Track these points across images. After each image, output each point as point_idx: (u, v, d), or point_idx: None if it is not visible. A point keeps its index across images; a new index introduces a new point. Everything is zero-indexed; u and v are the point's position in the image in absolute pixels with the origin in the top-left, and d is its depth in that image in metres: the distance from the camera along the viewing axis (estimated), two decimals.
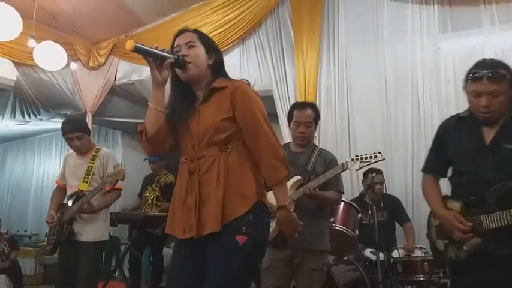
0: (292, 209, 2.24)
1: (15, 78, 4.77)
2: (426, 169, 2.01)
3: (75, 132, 2.89)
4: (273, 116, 4.59)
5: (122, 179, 2.73)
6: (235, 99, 1.51)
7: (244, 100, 1.53)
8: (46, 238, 3.18)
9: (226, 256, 1.42)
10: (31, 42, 4.31)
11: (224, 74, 1.63)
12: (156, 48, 1.49)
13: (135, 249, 4.09)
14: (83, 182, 2.89)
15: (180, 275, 1.53)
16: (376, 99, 3.85)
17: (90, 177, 2.91)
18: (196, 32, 1.63)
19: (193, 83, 1.59)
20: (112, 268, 4.27)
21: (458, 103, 3.52)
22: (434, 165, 1.97)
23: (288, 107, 4.10)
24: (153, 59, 1.49)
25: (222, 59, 1.65)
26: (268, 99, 4.51)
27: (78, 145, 2.91)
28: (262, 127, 1.52)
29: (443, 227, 1.82)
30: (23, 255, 5.77)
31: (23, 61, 4.73)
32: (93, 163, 2.93)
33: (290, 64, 4.25)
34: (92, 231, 2.86)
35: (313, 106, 2.52)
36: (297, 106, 2.52)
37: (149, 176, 4.76)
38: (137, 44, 1.40)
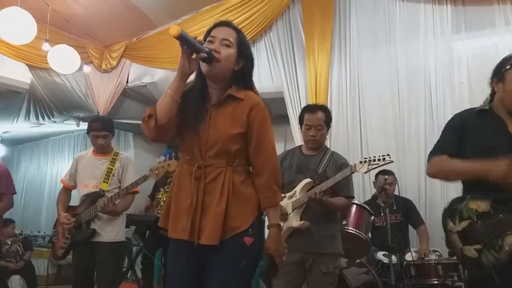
0: (301, 213, 2.26)
1: (29, 81, 4.85)
2: (442, 150, 1.77)
3: (103, 131, 2.93)
4: (284, 118, 4.59)
5: (173, 171, 2.66)
6: (253, 118, 1.50)
7: (262, 121, 1.52)
8: (53, 242, 3.10)
9: (234, 257, 1.46)
10: (45, 46, 4.38)
11: (248, 82, 1.57)
12: (195, 38, 1.43)
13: (147, 250, 4.12)
14: (104, 182, 2.89)
15: (181, 280, 1.53)
16: (388, 101, 3.82)
17: (110, 178, 2.92)
18: (237, 31, 1.56)
19: (211, 80, 1.53)
20: (124, 269, 4.29)
21: (472, 104, 3.42)
22: (452, 147, 1.73)
23: (299, 109, 4.15)
24: (189, 49, 1.42)
25: (251, 69, 1.59)
26: (279, 101, 4.51)
27: (102, 143, 2.94)
28: (273, 152, 1.56)
29: (472, 230, 1.66)
30: (37, 256, 5.86)
31: (37, 64, 4.80)
32: (113, 165, 2.94)
33: (301, 66, 4.24)
34: (111, 231, 2.85)
35: (324, 109, 2.50)
36: (308, 109, 2.50)
37: (161, 177, 4.77)
38: (182, 32, 1.36)
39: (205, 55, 1.43)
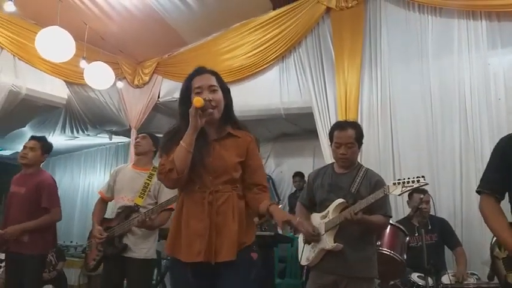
0: (334, 234, 2.21)
1: (66, 97, 5.02)
2: (484, 186, 1.76)
3: (144, 133, 3.12)
4: (313, 133, 4.57)
5: None
6: (250, 150, 1.79)
7: (256, 151, 1.84)
8: (86, 253, 3.15)
9: (243, 271, 1.67)
10: (82, 63, 4.56)
11: (232, 116, 1.82)
12: (205, 99, 1.64)
13: None
14: (139, 196, 2.90)
15: None
16: (421, 117, 3.74)
17: (146, 193, 2.93)
18: (214, 74, 1.79)
19: (208, 123, 1.72)
20: (154, 282, 4.32)
21: (509, 120, 3.36)
22: (495, 182, 1.72)
23: (329, 125, 4.12)
24: (201, 111, 1.63)
25: (232, 101, 1.82)
26: (307, 116, 4.50)
27: (139, 141, 3.04)
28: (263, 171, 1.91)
29: None
30: (69, 266, 5.98)
31: (74, 80, 4.99)
32: (150, 180, 2.95)
33: (330, 81, 4.23)
34: (143, 248, 2.84)
35: (355, 125, 2.41)
36: (338, 126, 2.42)
37: None
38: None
39: (212, 110, 1.67)
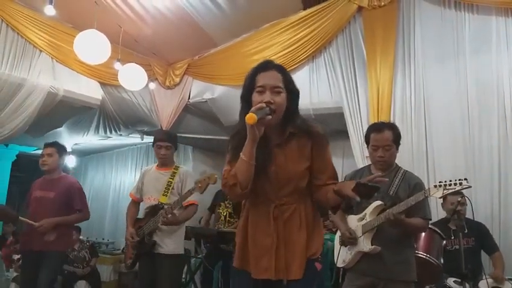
0: (371, 236, 2.18)
1: (100, 97, 5.16)
2: None
3: (167, 142, 3.13)
4: (343, 133, 4.52)
5: (214, 183, 2.82)
6: (316, 149, 1.60)
7: (321, 148, 1.63)
8: (125, 252, 3.29)
9: (309, 282, 1.57)
10: (117, 65, 4.67)
11: (296, 115, 1.63)
12: (259, 108, 1.49)
13: (207, 262, 4.20)
14: (163, 195, 3.04)
15: None
16: (457, 117, 3.63)
17: (169, 191, 3.05)
18: (281, 71, 1.60)
19: (268, 126, 1.58)
20: (183, 280, 4.40)
21: None
22: None
23: (359, 125, 4.07)
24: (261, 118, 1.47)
25: (298, 101, 1.65)
26: (337, 116, 4.45)
27: (164, 153, 3.11)
28: (332, 165, 1.69)
29: None
30: (100, 263, 6.13)
31: (108, 82, 5.12)
32: (172, 179, 3.08)
33: (362, 80, 4.16)
34: (170, 243, 2.97)
35: (392, 126, 2.37)
36: (374, 128, 2.38)
37: (221, 191, 4.89)
38: (257, 117, 1.44)
39: (270, 116, 1.49)
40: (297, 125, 1.60)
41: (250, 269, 1.61)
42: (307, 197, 1.62)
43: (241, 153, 1.53)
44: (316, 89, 4.62)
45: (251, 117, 1.42)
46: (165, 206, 2.93)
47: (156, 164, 3.27)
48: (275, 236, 1.56)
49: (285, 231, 1.57)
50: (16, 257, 5.05)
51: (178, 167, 3.19)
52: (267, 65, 1.60)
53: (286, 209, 1.58)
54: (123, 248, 3.51)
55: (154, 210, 3.01)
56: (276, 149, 1.59)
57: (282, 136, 1.60)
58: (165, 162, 3.16)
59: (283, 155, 1.58)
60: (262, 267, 1.56)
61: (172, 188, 3.06)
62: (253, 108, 1.47)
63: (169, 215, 2.84)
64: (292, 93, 1.61)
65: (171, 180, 3.08)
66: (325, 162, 1.62)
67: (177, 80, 5.54)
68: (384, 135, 2.29)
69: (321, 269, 1.62)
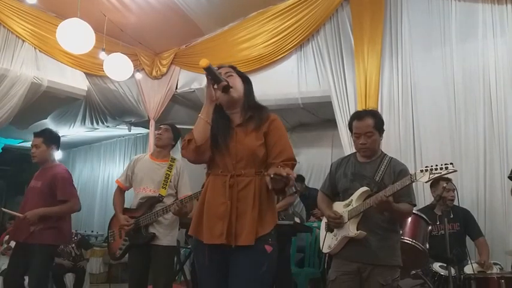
0: (357, 222, 2.20)
1: (86, 88, 5.08)
2: None
3: (167, 125, 3.16)
4: (331, 122, 4.53)
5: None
6: (270, 128, 1.81)
7: (276, 128, 1.83)
8: (109, 242, 3.18)
9: (256, 262, 1.68)
10: (102, 55, 4.60)
11: (254, 101, 1.88)
12: (217, 70, 1.74)
13: None
14: (162, 187, 2.99)
15: (209, 281, 1.76)
16: (443, 104, 3.66)
17: (168, 184, 3.01)
18: (231, 66, 1.91)
19: (229, 107, 1.83)
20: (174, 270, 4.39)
21: None
22: None
23: (348, 114, 4.07)
24: (212, 80, 1.71)
25: (252, 88, 1.90)
26: (325, 105, 4.46)
27: (160, 133, 3.08)
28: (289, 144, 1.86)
29: None
30: (90, 255, 6.13)
31: (94, 72, 5.04)
32: (170, 171, 3.02)
33: (350, 69, 4.17)
34: (167, 235, 2.93)
35: (373, 113, 2.37)
36: (356, 116, 2.39)
37: None
38: (210, 65, 1.65)
39: (225, 83, 1.73)
40: (255, 109, 1.84)
41: (202, 236, 1.72)
42: (263, 175, 1.74)
43: (199, 114, 1.74)
44: (304, 78, 4.61)
45: (204, 61, 1.62)
46: (164, 199, 2.94)
47: (150, 153, 3.21)
48: (229, 203, 1.69)
49: (238, 200, 1.70)
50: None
51: (175, 159, 3.14)
52: (219, 67, 1.86)
53: (242, 180, 1.73)
54: (106, 238, 3.43)
55: (152, 202, 2.95)
56: (237, 128, 1.81)
57: (243, 118, 1.82)
58: (159, 144, 3.09)
59: (243, 133, 1.79)
60: (216, 233, 1.68)
61: (170, 181, 3.02)
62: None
63: (184, 208, 2.84)
64: (244, 78, 1.88)
65: (168, 172, 3.02)
66: (276, 140, 1.80)
67: (164, 69, 5.48)
68: (365, 122, 2.30)
69: (271, 252, 1.70)
